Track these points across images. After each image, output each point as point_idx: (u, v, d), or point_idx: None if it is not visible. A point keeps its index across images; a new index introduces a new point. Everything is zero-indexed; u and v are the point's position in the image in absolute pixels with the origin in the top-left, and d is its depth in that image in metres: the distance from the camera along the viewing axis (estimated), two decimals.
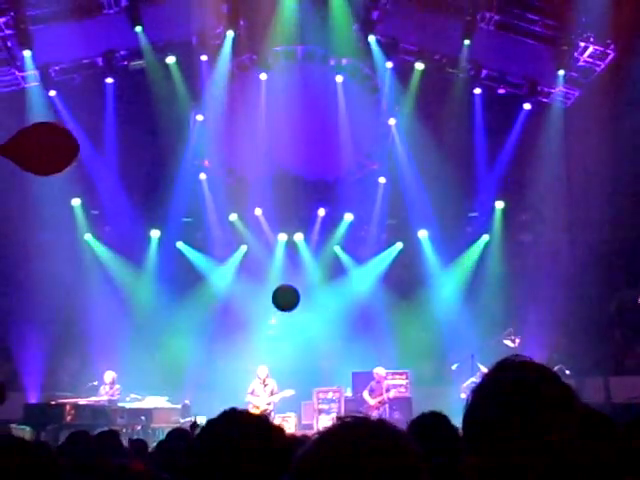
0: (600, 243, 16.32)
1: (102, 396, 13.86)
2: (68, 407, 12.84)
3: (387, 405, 14.29)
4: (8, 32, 15.46)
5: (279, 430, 2.25)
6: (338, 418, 1.58)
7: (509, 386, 1.66)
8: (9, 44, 15.74)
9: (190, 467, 2.22)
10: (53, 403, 13.10)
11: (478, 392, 1.72)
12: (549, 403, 1.63)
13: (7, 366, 16.48)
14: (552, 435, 1.58)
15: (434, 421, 3.72)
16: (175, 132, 17.03)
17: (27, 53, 15.77)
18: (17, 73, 16.35)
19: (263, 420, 2.28)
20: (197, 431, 2.38)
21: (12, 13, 15.14)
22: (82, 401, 13.51)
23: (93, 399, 13.75)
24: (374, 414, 13.99)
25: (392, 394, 14.44)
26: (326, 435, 1.52)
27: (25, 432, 12.22)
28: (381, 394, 14.26)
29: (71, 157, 7.53)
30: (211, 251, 17.95)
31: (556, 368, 13.86)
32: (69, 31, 15.41)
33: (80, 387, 14.54)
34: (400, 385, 15.31)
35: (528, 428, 1.59)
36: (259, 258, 17.91)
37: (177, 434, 5.34)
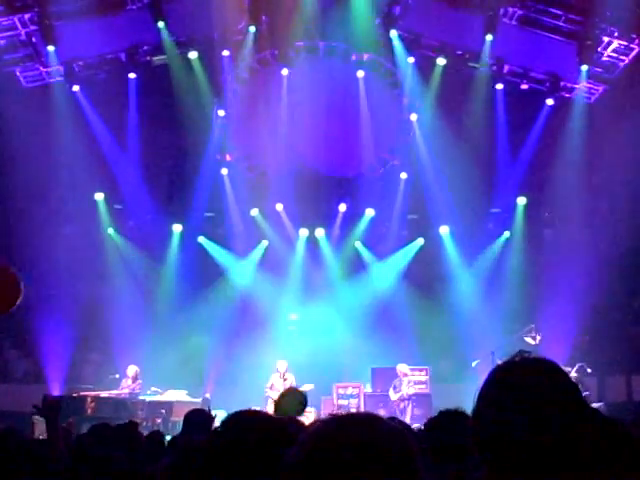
0: (622, 240, 16.18)
1: (123, 389, 13.98)
2: (89, 400, 12.97)
3: (407, 401, 14.31)
4: (33, 28, 15.60)
5: (288, 432, 2.22)
6: (330, 414, 1.58)
7: (514, 389, 1.65)
8: (34, 40, 15.88)
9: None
10: (75, 395, 13.23)
11: (484, 397, 1.71)
12: (555, 403, 1.62)
13: (31, 359, 16.69)
14: (562, 438, 1.58)
15: (451, 419, 3.70)
16: (197, 127, 17.08)
17: (51, 49, 15.89)
18: (41, 68, 16.50)
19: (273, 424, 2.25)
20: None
21: (36, 9, 15.27)
22: (103, 394, 13.64)
23: (114, 392, 13.86)
24: (395, 410, 14.07)
25: (412, 390, 14.45)
26: (314, 434, 1.53)
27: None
28: (402, 390, 14.33)
29: (13, 302, 7.48)
30: (232, 246, 18.01)
31: (577, 366, 13.82)
32: (92, 27, 15.53)
33: (103, 380, 14.68)
34: (420, 381, 15.29)
35: (537, 435, 1.58)
36: (280, 253, 17.94)
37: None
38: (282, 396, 5.68)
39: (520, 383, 1.66)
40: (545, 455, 1.58)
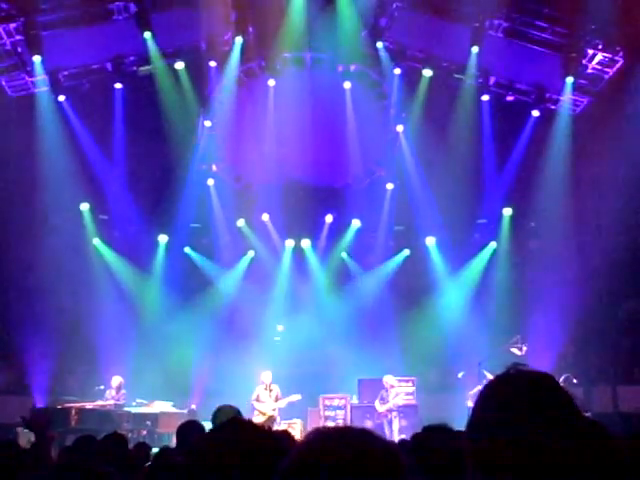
0: (609, 250, 16.26)
1: (108, 400, 13.88)
2: (74, 411, 12.87)
3: (394, 412, 14.29)
4: (18, 37, 15.53)
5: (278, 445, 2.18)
6: (315, 429, 1.58)
7: (508, 400, 1.64)
8: (19, 49, 15.81)
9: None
10: (59, 407, 13.12)
11: (479, 409, 1.70)
12: (550, 414, 1.61)
13: (14, 370, 16.54)
14: (555, 447, 1.57)
15: (437, 436, 3.64)
16: (183, 138, 17.07)
17: (37, 58, 15.82)
18: (27, 78, 16.42)
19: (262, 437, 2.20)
20: None
21: (22, 19, 15.20)
22: (88, 405, 13.53)
23: (99, 403, 13.77)
24: (382, 421, 14.03)
25: (399, 401, 14.43)
26: (303, 447, 1.52)
27: (31, 435, 12.22)
28: (389, 401, 14.31)
29: None
30: (218, 257, 17.98)
31: (563, 377, 13.82)
32: (79, 37, 15.51)
33: (87, 392, 14.58)
34: (407, 392, 15.28)
35: (530, 446, 1.57)
36: (266, 264, 17.92)
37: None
38: (218, 410, 5.61)
39: (517, 396, 1.65)
40: (544, 469, 1.56)
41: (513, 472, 1.56)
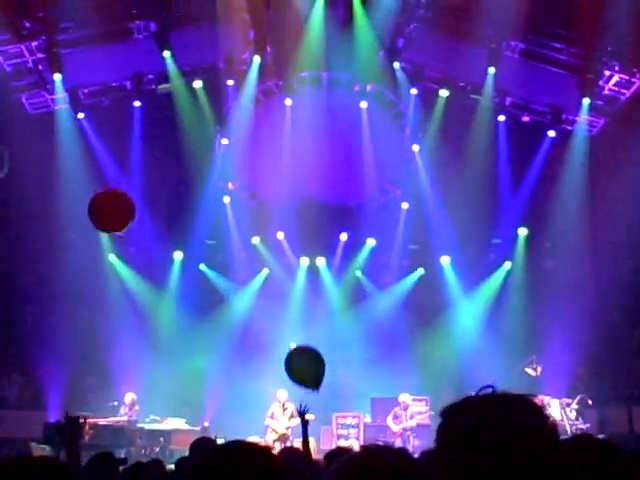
0: (624, 271, 16.19)
1: (122, 416, 13.91)
2: (87, 427, 12.86)
3: (409, 432, 14.23)
4: (40, 56, 15.75)
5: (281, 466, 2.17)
6: (362, 446, 1.61)
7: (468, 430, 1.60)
8: (40, 67, 16.03)
9: None
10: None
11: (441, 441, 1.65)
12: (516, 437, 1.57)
13: (29, 385, 16.60)
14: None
15: None
16: (200, 155, 17.19)
17: (57, 76, 16.02)
18: (47, 96, 16.63)
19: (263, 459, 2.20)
20: None
21: (43, 37, 15.44)
22: (101, 421, 13.55)
23: (113, 419, 13.79)
24: (397, 441, 13.95)
25: (414, 422, 14.36)
26: (352, 462, 1.55)
27: (44, 451, 12.27)
28: (405, 421, 14.24)
29: (127, 219, 8.81)
30: (233, 274, 18.00)
31: (578, 397, 13.76)
32: (98, 55, 15.70)
33: (101, 407, 14.60)
34: (420, 412, 15.20)
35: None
36: (281, 282, 17.93)
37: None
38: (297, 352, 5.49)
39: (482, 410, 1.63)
40: None
41: None
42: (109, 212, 8.79)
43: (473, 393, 1.57)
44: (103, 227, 9.34)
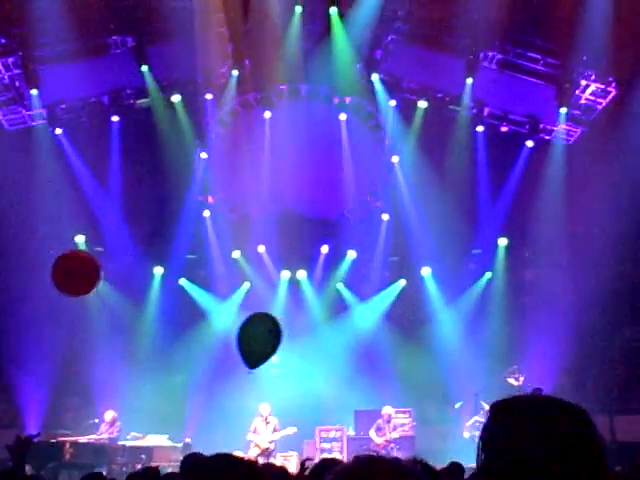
0: (603, 280, 16.27)
1: (102, 434, 13.76)
2: (67, 445, 12.73)
3: (392, 444, 14.19)
4: (16, 71, 15.67)
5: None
6: (355, 457, 1.59)
7: (527, 419, 1.61)
8: (17, 83, 15.93)
9: None
10: (52, 441, 12.97)
11: (494, 427, 1.68)
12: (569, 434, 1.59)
13: (8, 404, 16.39)
14: None
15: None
16: (180, 169, 17.13)
17: (34, 92, 15.94)
18: (24, 112, 16.51)
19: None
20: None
21: (20, 53, 15.35)
22: (82, 439, 13.41)
23: (93, 437, 13.64)
24: (381, 453, 13.88)
25: (397, 434, 14.33)
26: (351, 472, 1.53)
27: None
28: (388, 433, 14.21)
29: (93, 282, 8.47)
30: (214, 288, 17.92)
31: None
32: (76, 70, 15.63)
33: (81, 425, 14.45)
34: (403, 424, 15.17)
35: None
36: (262, 295, 17.85)
37: None
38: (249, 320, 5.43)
39: (532, 413, 1.63)
40: None
41: None
42: (75, 275, 8.40)
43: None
44: (67, 290, 8.84)
